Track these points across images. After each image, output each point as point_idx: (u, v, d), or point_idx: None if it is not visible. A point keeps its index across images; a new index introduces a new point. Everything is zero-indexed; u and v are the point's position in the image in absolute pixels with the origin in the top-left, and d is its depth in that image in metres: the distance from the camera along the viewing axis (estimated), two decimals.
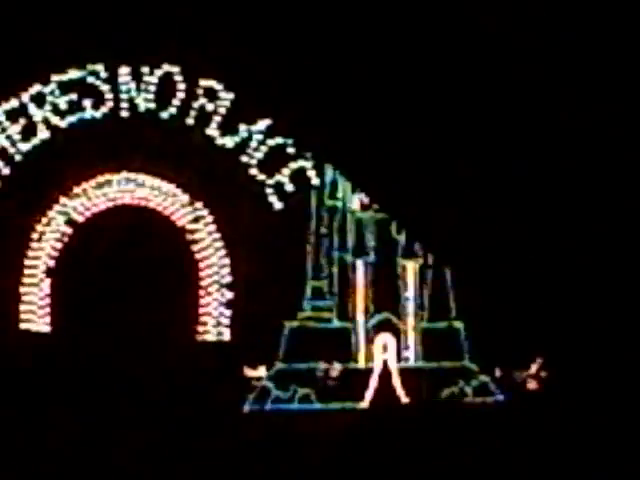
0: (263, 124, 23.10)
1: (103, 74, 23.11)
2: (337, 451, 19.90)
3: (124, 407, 21.34)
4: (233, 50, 22.26)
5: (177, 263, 22.88)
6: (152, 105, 23.17)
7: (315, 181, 22.90)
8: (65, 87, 23.13)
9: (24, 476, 17.22)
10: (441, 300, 22.57)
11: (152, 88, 23.22)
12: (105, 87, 23.14)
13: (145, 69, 23.13)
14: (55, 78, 23.03)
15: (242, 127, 23.15)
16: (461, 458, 20.55)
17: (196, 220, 23.14)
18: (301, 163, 23.07)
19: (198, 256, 23.08)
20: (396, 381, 22.19)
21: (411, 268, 22.58)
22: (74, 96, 23.15)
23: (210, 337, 22.88)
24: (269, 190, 23.11)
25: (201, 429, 20.79)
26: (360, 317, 22.48)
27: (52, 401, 21.33)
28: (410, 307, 22.55)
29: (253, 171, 23.13)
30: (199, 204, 23.06)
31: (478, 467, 20.43)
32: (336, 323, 22.54)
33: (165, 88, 23.15)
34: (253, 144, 23.11)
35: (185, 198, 23.11)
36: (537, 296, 21.43)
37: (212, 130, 23.27)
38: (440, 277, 22.60)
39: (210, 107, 23.18)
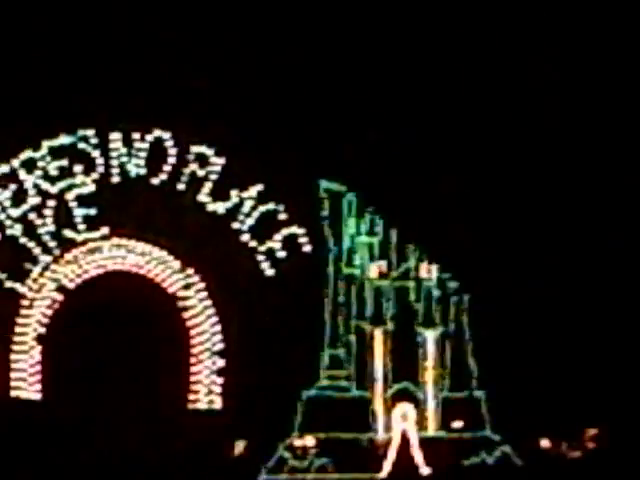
0: (254, 190, 23.59)
1: (94, 140, 23.53)
2: None
3: (116, 475, 21.00)
4: (224, 116, 23.01)
5: (168, 330, 22.99)
6: (143, 171, 23.62)
7: (307, 248, 23.16)
8: (56, 153, 23.39)
9: None
10: (462, 369, 22.52)
11: (143, 154, 23.69)
12: (96, 153, 23.52)
13: (136, 135, 23.61)
14: (46, 143, 23.31)
15: (233, 193, 23.65)
16: None
17: (187, 287, 23.33)
18: (293, 229, 23.39)
19: (189, 323, 23.18)
20: (415, 451, 21.77)
21: (430, 336, 22.56)
22: (65, 162, 23.44)
23: (201, 405, 22.85)
24: (260, 257, 23.45)
25: None
26: (378, 386, 22.27)
27: (42, 472, 20.86)
28: (429, 376, 22.39)
29: (244, 237, 23.48)
30: (190, 270, 23.33)
31: None
32: (354, 392, 22.30)
33: (156, 154, 23.64)
34: (244, 210, 23.53)
35: (176, 264, 23.38)
36: (564, 367, 21.89)
37: (203, 196, 23.71)
38: (460, 346, 22.61)
39: (201, 173, 23.65)
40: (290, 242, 23.42)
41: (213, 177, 23.70)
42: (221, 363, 22.92)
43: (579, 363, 22.23)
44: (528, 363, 22.16)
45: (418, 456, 21.86)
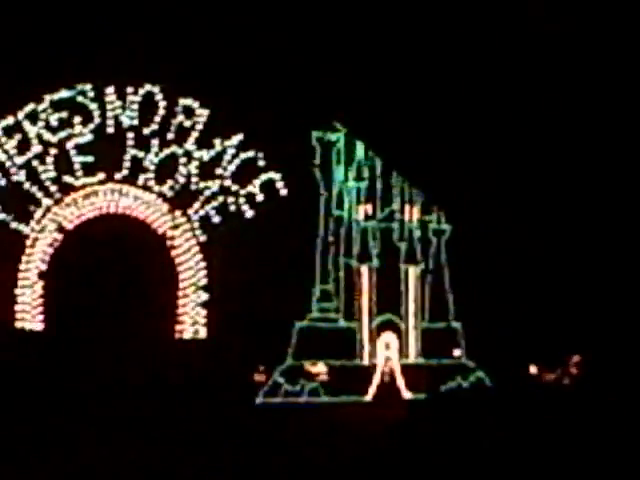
0: (236, 139, 25.25)
1: (91, 94, 25.19)
2: (342, 441, 21.05)
3: (114, 399, 22.55)
4: (210, 71, 24.54)
5: (157, 267, 24.86)
6: (135, 122, 25.34)
7: (283, 192, 24.93)
8: (56, 106, 25.04)
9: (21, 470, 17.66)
10: (440, 302, 24.64)
11: (135, 106, 25.43)
12: (93, 105, 25.20)
13: (129, 89, 25.34)
14: (48, 97, 24.97)
15: (217, 141, 25.31)
16: (459, 449, 21.40)
17: (174, 227, 25.22)
18: (271, 175, 25.14)
19: (176, 260, 25.11)
20: (397, 376, 23.89)
21: (412, 273, 24.64)
22: (64, 114, 25.07)
23: (187, 335, 24.80)
24: (241, 200, 25.25)
25: (214, 420, 21.55)
26: (365, 318, 24.33)
27: (44, 396, 22.36)
28: (411, 308, 24.49)
29: (227, 182, 25.33)
30: (178, 213, 25.16)
31: (477, 457, 21.31)
32: (342, 323, 24.34)
33: (147, 106, 25.39)
34: (227, 157, 25.31)
35: (164, 207, 25.20)
36: (531, 299, 23.78)
37: (190, 144, 25.38)
38: (439, 281, 24.70)
39: (188, 123, 25.36)
40: (268, 186, 25.17)
41: (199, 127, 25.36)
42: (205, 297, 24.82)
43: (552, 297, 24.01)
44: (502, 297, 24.05)
45: (400, 381, 23.98)
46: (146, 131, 25.27)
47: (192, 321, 24.79)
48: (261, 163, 25.18)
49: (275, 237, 24.36)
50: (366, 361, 24.28)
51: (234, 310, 24.25)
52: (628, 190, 22.77)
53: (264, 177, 25.18)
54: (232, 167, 25.28)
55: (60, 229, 24.94)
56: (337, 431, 21.43)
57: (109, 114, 25.27)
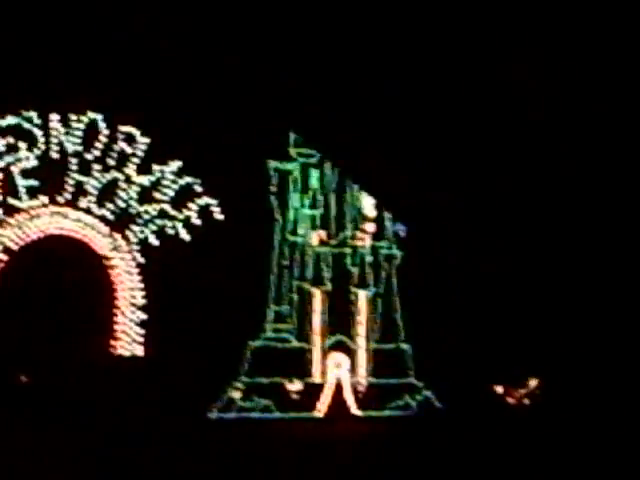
0: (175, 165, 26.20)
1: (36, 120, 25.96)
2: (293, 455, 22.10)
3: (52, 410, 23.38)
4: (152, 100, 25.36)
5: (97, 286, 25.63)
6: (79, 148, 26.11)
7: (220, 217, 25.80)
8: (2, 132, 25.74)
9: None
10: (390, 324, 25.81)
11: (79, 133, 26.26)
12: (38, 132, 25.98)
13: (73, 116, 26.13)
14: None
15: (156, 168, 26.27)
16: (405, 464, 22.19)
17: (114, 249, 26.17)
18: (206, 200, 26.07)
19: (115, 280, 26.05)
20: (347, 394, 24.96)
21: (363, 296, 25.82)
22: (11, 139, 25.72)
23: (125, 352, 25.66)
24: (178, 224, 26.19)
25: (166, 434, 22.41)
26: (317, 338, 25.50)
27: None
28: (362, 330, 25.64)
29: (165, 206, 26.24)
30: (117, 235, 26.05)
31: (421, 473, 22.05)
32: (295, 343, 25.44)
33: (90, 133, 26.18)
34: (165, 182, 26.36)
35: (106, 230, 26.08)
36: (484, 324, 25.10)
37: (130, 170, 26.31)
38: (390, 304, 25.90)
39: (129, 150, 26.30)
40: (204, 211, 26.24)
41: (139, 154, 26.42)
42: (143, 316, 25.78)
43: (508, 318, 25.14)
44: (450, 320, 25.23)
45: (350, 399, 25.05)
46: (89, 156, 26.28)
47: (130, 339, 25.82)
48: (199, 189, 26.22)
49: (222, 261, 25.34)
50: (317, 379, 25.29)
51: (174, 330, 25.06)
52: (584, 212, 23.60)
53: (201, 202, 26.21)
54: (171, 192, 26.34)
55: (5, 250, 25.65)
56: (289, 444, 22.38)
57: (53, 140, 26.18)
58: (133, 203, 26.19)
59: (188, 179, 26.21)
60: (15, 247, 25.84)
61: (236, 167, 25.54)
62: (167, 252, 25.90)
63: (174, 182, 26.29)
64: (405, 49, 23.85)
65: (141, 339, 25.64)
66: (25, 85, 25.51)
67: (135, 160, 26.37)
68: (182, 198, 26.20)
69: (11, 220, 25.78)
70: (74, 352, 24.97)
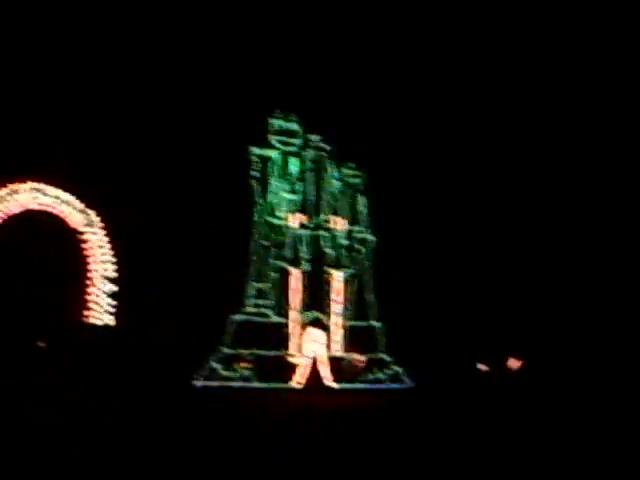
0: None
1: None
2: (271, 423, 23.37)
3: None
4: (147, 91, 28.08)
5: (72, 259, 28.19)
6: None
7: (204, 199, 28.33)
8: None
9: None
10: (363, 303, 27.67)
11: None
12: None
13: None
14: None
15: None
16: (374, 430, 23.58)
17: (88, 224, 28.64)
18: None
19: (88, 253, 28.53)
20: (322, 367, 26.73)
21: (339, 276, 27.66)
22: None
23: (97, 321, 28.21)
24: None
25: (151, 401, 23.91)
26: (294, 314, 27.19)
27: None
28: (337, 308, 27.45)
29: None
30: (91, 212, 28.54)
31: (388, 440, 23.47)
32: (274, 318, 27.11)
33: None
34: None
35: (80, 206, 28.62)
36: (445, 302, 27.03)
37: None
38: (362, 284, 27.76)
39: None
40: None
41: None
42: (113, 287, 28.15)
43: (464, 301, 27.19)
44: (420, 300, 27.23)
45: (325, 371, 26.82)
46: None
47: (101, 309, 28.11)
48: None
49: (205, 242, 27.50)
50: (295, 352, 27.05)
51: (147, 301, 27.32)
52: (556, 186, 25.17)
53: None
54: None
55: None
56: (267, 412, 23.65)
57: None
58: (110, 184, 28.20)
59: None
60: None
61: (220, 153, 27.32)
62: (151, 231, 27.84)
63: None
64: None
65: (111, 309, 28.03)
66: None
67: None
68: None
69: None
70: (49, 321, 27.33)
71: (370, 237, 28.19)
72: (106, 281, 27.78)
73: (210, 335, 26.63)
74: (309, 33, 27.91)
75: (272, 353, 26.84)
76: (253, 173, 27.88)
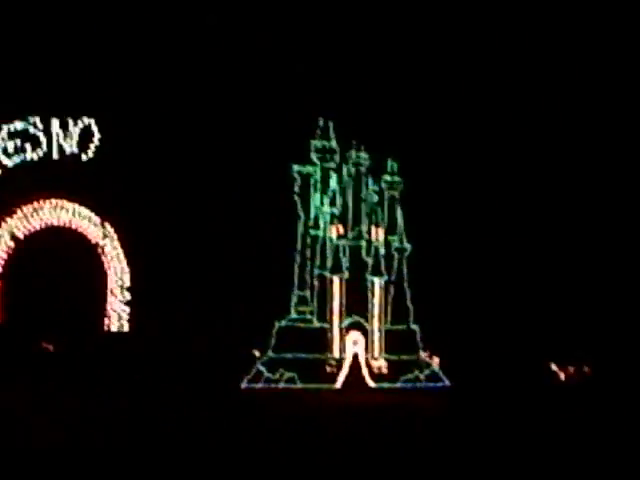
0: None
1: (39, 125, 30.89)
2: (315, 423, 24.56)
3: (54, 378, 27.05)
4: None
5: (90, 270, 30.27)
6: (75, 149, 30.82)
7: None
8: (11, 134, 30.71)
9: None
10: (401, 308, 29.28)
11: (75, 136, 31.04)
12: (41, 135, 30.89)
13: (70, 121, 30.94)
14: (4, 127, 30.63)
15: None
16: (415, 431, 24.78)
17: (105, 237, 30.73)
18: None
19: (106, 265, 30.67)
20: (363, 368, 28.32)
21: (377, 283, 29.30)
22: (18, 141, 30.75)
23: (113, 328, 30.38)
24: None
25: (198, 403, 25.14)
26: (335, 319, 28.93)
27: None
28: (376, 312, 29.10)
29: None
30: (108, 225, 30.66)
31: (429, 440, 24.49)
32: (316, 323, 28.92)
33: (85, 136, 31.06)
34: None
35: (97, 220, 30.72)
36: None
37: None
38: (401, 290, 29.38)
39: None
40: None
41: None
42: (128, 296, 30.35)
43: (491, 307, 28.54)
44: (450, 303, 28.68)
45: (365, 372, 28.40)
46: (84, 157, 31.00)
47: (117, 316, 30.36)
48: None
49: (252, 254, 29.44)
50: (336, 355, 28.70)
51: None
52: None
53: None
54: None
55: (13, 237, 30.40)
56: (310, 412, 25.10)
57: (54, 143, 30.97)
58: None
59: None
60: (21, 236, 30.51)
61: (264, 170, 29.33)
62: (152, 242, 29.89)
63: None
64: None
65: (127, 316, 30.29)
66: (30, 94, 30.09)
67: None
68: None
69: (19, 211, 30.46)
70: (70, 328, 29.44)
71: (407, 245, 29.84)
72: (124, 291, 29.99)
73: (257, 341, 28.49)
74: (349, 53, 29.74)
75: (314, 356, 28.51)
76: (295, 189, 29.80)
